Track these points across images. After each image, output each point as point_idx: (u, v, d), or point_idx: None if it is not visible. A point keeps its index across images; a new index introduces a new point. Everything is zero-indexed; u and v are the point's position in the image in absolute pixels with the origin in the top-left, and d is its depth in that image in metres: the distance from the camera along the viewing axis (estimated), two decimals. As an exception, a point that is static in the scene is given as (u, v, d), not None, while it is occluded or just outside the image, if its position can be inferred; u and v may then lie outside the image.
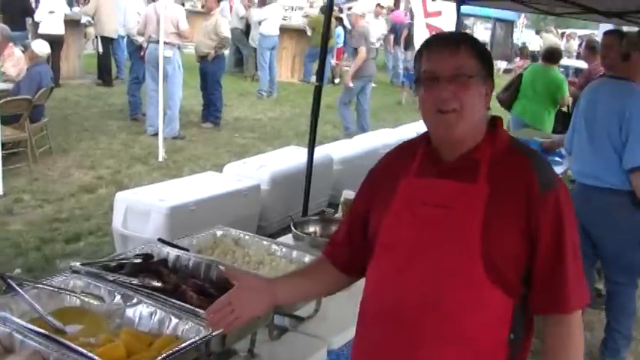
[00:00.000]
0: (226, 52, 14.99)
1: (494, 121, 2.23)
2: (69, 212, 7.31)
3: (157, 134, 9.92)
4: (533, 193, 2.04)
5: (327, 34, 6.48)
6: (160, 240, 3.22)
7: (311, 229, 3.78)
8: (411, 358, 2.12)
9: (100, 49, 15.37)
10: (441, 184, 2.13)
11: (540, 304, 2.10)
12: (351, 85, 12.22)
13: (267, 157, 7.75)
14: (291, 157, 7.49)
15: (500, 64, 23.25)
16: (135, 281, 2.72)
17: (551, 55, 8.78)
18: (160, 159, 9.52)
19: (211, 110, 12.27)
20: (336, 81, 19.67)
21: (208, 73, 12.08)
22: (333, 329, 3.11)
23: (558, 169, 6.87)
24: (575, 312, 2.10)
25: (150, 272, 2.87)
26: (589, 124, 4.76)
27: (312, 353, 2.94)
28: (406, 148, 2.35)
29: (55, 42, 13.42)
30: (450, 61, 2.08)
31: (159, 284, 2.72)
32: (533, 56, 20.04)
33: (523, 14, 24.25)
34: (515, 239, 2.04)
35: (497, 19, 24.04)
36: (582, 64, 23.15)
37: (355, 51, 12.16)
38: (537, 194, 2.04)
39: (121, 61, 15.99)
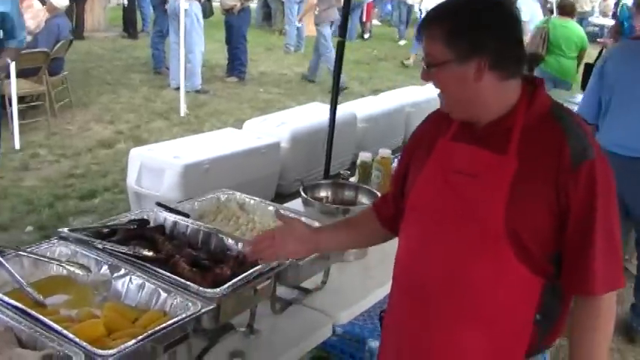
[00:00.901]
0: (254, 5, 14.72)
1: (534, 83, 2.04)
2: (85, 168, 7.16)
3: (179, 88, 9.71)
4: (564, 167, 1.88)
5: (350, -13, 6.23)
6: (159, 204, 3.01)
7: (322, 193, 3.54)
8: (430, 337, 2.06)
9: (126, 2, 15.16)
10: (470, 150, 2.02)
11: (568, 283, 1.97)
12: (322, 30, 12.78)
13: (289, 113, 7.51)
14: (314, 114, 7.23)
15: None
16: (125, 250, 2.52)
17: (567, 8, 8.81)
18: (182, 114, 9.33)
19: (236, 64, 12.03)
20: (366, 36, 19.30)
21: (233, 27, 11.82)
22: (340, 303, 2.92)
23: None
24: (605, 294, 1.94)
25: (144, 240, 2.68)
26: (627, 92, 4.42)
27: (316, 329, 2.74)
28: None
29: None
30: (425, 46, 2.01)
31: (150, 254, 2.51)
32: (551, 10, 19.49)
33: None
34: (543, 215, 1.90)
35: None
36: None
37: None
38: (568, 168, 1.88)
39: (146, 14, 15.76)
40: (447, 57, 1.93)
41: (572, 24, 8.82)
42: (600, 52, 8.44)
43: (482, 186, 1.95)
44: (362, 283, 3.17)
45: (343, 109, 7.32)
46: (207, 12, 11.55)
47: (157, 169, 5.53)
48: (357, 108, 7.89)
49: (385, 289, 3.18)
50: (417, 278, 2.08)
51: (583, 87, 8.28)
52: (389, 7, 23.41)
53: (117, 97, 10.04)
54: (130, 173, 5.72)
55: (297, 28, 15.94)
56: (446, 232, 2.00)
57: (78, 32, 14.33)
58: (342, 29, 6.05)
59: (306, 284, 2.94)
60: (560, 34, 8.60)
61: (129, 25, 15.48)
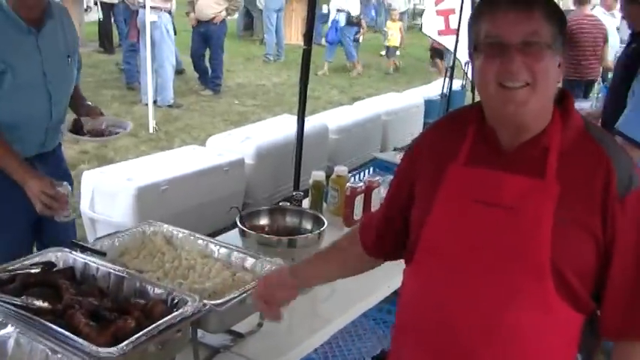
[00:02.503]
0: (236, 15, 14.49)
1: (564, 98, 1.84)
2: (44, 192, 6.80)
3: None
4: (611, 196, 1.70)
5: (315, -7, 5.93)
6: (72, 242, 2.70)
7: (262, 221, 3.22)
8: None
9: (101, 16, 14.84)
10: (500, 177, 1.77)
11: (612, 326, 1.79)
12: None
13: (255, 127, 7.17)
14: (282, 128, 6.87)
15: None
16: (18, 301, 2.20)
17: None
18: (151, 130, 9.00)
19: (212, 77, 11.72)
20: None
21: (212, 38, 11.48)
22: (278, 348, 2.59)
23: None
24: None
25: (47, 286, 2.35)
26: None
27: (244, 380, 2.41)
28: (454, 123, 1.97)
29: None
30: (522, 25, 1.69)
31: (44, 305, 2.19)
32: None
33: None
34: (588, 247, 1.72)
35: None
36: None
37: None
38: (615, 197, 1.69)
39: (122, 28, 15.35)
40: (555, 40, 1.71)
41: None
42: None
43: (521, 219, 1.71)
44: (307, 321, 2.84)
45: (314, 121, 7.04)
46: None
47: (110, 193, 5.22)
48: (328, 119, 7.55)
49: (333, 327, 2.88)
50: (444, 326, 1.82)
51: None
52: (373, 12, 23.08)
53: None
54: (83, 198, 5.40)
55: (277, 37, 15.67)
56: (478, 275, 1.76)
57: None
58: (308, 37, 5.76)
59: (241, 327, 2.62)
60: None
61: (105, 39, 15.18)
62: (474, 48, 1.77)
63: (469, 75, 10.87)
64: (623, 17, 6.57)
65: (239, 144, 6.39)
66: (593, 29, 8.49)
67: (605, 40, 8.62)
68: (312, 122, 6.72)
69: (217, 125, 9.54)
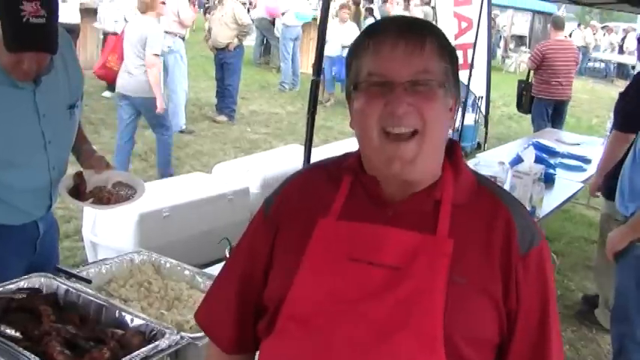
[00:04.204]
0: (251, 42, 14.47)
1: (452, 147, 1.62)
2: (49, 213, 6.82)
3: (162, 128, 9.38)
4: (512, 254, 1.50)
5: (324, 23, 5.94)
6: (57, 269, 2.69)
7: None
8: None
9: (118, 39, 14.97)
10: (383, 232, 1.51)
11: None
12: None
13: (262, 156, 7.20)
14: (290, 157, 6.86)
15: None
16: (-6, 329, 2.19)
17: None
18: (160, 155, 9.00)
19: (227, 102, 11.72)
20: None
21: (229, 64, 11.49)
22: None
23: (580, 177, 6.21)
24: None
25: (29, 312, 2.35)
26: None
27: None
28: (324, 173, 1.70)
29: (71, 31, 13.01)
30: (410, 62, 1.46)
31: (17, 334, 2.17)
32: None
33: (563, 6, 23.11)
34: (488, 317, 1.48)
35: (536, 11, 22.88)
36: (627, 59, 22.50)
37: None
38: (517, 255, 1.50)
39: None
40: (448, 79, 1.50)
41: None
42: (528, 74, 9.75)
43: (409, 280, 1.45)
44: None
45: (322, 152, 6.98)
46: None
47: (112, 218, 5.21)
48: (337, 150, 7.49)
49: None
50: None
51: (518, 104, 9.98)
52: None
53: (98, 138, 9.71)
54: (85, 221, 5.42)
55: (293, 66, 15.70)
56: (355, 347, 1.44)
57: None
58: (317, 68, 5.76)
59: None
60: None
61: (122, 62, 15.27)
62: (353, 87, 1.55)
63: (482, 110, 10.98)
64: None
65: (245, 173, 6.38)
66: (565, 53, 9.36)
67: (577, 63, 9.93)
68: (319, 153, 6.69)
69: (228, 152, 9.54)
